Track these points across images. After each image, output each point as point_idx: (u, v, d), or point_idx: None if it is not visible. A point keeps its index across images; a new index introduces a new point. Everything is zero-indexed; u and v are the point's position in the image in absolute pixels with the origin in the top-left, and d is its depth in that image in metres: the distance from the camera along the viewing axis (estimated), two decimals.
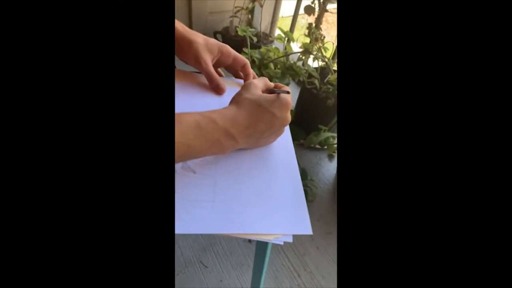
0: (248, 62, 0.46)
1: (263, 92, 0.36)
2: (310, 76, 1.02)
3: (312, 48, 0.97)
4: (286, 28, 1.31)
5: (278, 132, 0.37)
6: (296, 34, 1.14)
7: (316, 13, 1.04)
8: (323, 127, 1.01)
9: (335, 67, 1.04)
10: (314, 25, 0.99)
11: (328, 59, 1.01)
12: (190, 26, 1.58)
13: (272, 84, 0.39)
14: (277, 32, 1.74)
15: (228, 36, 1.49)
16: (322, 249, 0.81)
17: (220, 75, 0.47)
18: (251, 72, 0.47)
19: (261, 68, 1.00)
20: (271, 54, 1.03)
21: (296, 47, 1.09)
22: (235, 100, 0.35)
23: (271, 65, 1.03)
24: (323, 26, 1.04)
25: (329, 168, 1.07)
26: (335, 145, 1.10)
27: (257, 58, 1.01)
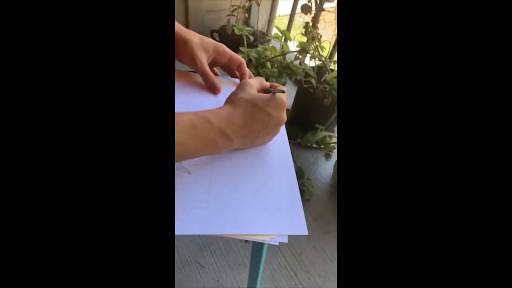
0: (244, 61, 0.46)
1: (258, 91, 0.36)
2: (307, 75, 1.02)
3: (309, 47, 0.96)
4: (283, 27, 1.31)
5: (274, 132, 0.37)
6: (293, 33, 1.14)
7: (313, 12, 1.04)
8: (320, 126, 1.01)
9: (332, 66, 1.04)
10: (311, 24, 0.99)
11: (325, 58, 1.01)
12: (187, 25, 1.57)
13: (267, 84, 0.38)
14: (274, 31, 1.73)
15: (225, 35, 1.49)
16: (319, 248, 0.81)
17: (215, 74, 0.47)
18: (247, 71, 0.47)
19: (258, 67, 1.00)
20: (268, 53, 1.03)
21: (293, 46, 1.09)
22: (230, 100, 0.34)
23: (268, 64, 1.02)
24: (320, 25, 1.04)
25: (326, 167, 1.07)
26: (332, 144, 1.10)
27: (254, 57, 1.01)
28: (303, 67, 1.01)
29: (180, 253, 0.75)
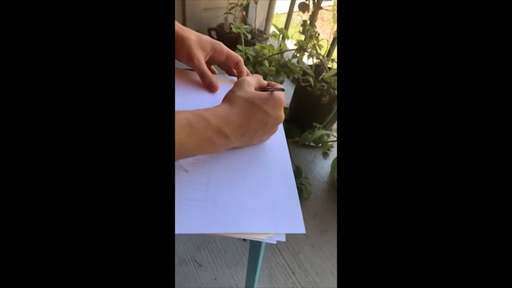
0: (241, 59, 0.46)
1: (256, 89, 0.36)
2: (304, 73, 1.02)
3: (307, 45, 0.96)
4: (281, 25, 1.31)
5: (272, 130, 0.37)
6: (290, 31, 1.14)
7: (311, 10, 1.04)
8: (318, 125, 1.01)
9: (329, 65, 1.04)
10: (308, 22, 0.98)
11: (323, 56, 1.01)
12: (184, 23, 1.57)
13: (265, 82, 0.38)
14: (272, 29, 1.73)
15: (222, 33, 1.48)
16: (316, 246, 0.81)
17: (213, 72, 0.47)
18: (245, 69, 0.47)
19: (255, 65, 1.00)
20: (265, 51, 1.03)
21: (290, 44, 1.09)
22: (228, 98, 0.34)
23: (266, 62, 1.02)
24: (317, 23, 1.04)
25: (323, 166, 1.07)
26: (330, 143, 1.10)
27: (251, 55, 1.00)
28: (301, 66, 1.01)
29: (178, 252, 0.75)
